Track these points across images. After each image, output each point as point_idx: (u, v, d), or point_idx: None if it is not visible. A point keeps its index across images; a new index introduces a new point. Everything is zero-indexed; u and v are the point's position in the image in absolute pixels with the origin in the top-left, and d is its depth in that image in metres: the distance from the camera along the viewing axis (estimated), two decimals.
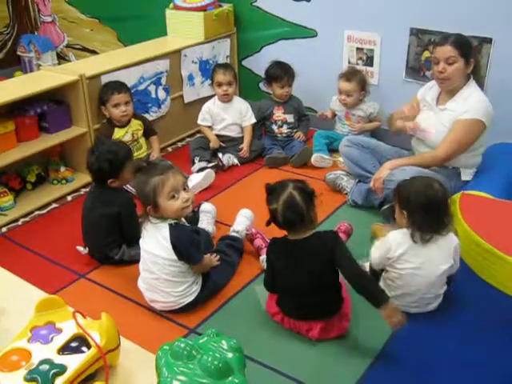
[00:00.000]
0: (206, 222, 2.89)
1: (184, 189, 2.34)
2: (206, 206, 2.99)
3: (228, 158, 3.76)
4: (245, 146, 3.85)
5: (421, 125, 3.08)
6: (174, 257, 2.30)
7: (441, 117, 3.00)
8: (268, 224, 2.25)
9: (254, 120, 3.93)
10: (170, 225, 2.31)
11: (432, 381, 2.07)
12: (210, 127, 3.91)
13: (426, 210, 2.25)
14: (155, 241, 2.32)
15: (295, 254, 2.22)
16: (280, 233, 2.29)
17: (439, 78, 2.96)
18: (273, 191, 2.21)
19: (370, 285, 2.15)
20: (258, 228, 2.81)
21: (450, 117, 2.94)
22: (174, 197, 2.29)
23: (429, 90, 3.13)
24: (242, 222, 2.86)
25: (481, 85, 3.00)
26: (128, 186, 3.27)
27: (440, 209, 2.27)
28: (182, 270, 2.35)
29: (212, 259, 2.54)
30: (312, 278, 2.18)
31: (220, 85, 3.84)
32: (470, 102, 2.90)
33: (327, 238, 2.21)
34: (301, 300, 2.23)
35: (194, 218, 2.89)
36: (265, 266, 2.60)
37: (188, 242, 2.33)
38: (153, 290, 2.40)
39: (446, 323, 2.33)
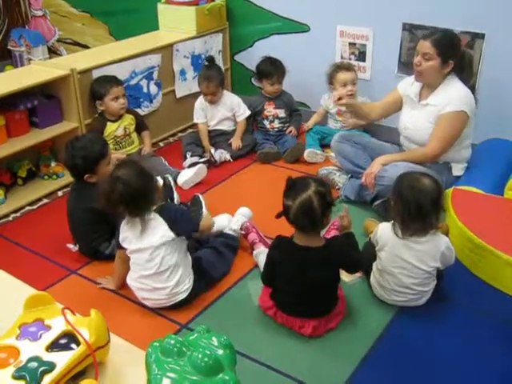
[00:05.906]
0: (235, 220, 2.83)
1: None
2: (245, 210, 2.91)
3: (220, 154, 3.74)
4: (236, 136, 3.84)
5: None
6: (172, 234, 2.28)
7: (424, 113, 3.00)
8: (278, 216, 2.18)
9: (248, 113, 3.91)
10: (155, 209, 2.32)
11: (423, 375, 2.07)
12: (205, 123, 3.88)
13: (411, 205, 2.21)
14: (151, 233, 2.29)
15: (300, 263, 2.17)
16: (277, 229, 2.29)
17: (415, 70, 2.98)
18: (292, 187, 2.13)
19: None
20: (253, 223, 2.81)
21: (433, 112, 2.94)
22: None
23: (410, 86, 3.12)
24: (240, 220, 2.83)
25: (472, 82, 2.99)
26: None
27: (427, 208, 2.21)
28: (181, 257, 2.36)
29: (209, 217, 2.64)
30: (313, 285, 2.18)
31: (205, 94, 3.81)
32: (451, 94, 2.89)
33: (336, 253, 2.19)
34: (297, 299, 2.22)
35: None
36: (258, 261, 2.59)
37: (177, 211, 2.42)
38: (144, 289, 2.38)
39: (438, 319, 2.34)
